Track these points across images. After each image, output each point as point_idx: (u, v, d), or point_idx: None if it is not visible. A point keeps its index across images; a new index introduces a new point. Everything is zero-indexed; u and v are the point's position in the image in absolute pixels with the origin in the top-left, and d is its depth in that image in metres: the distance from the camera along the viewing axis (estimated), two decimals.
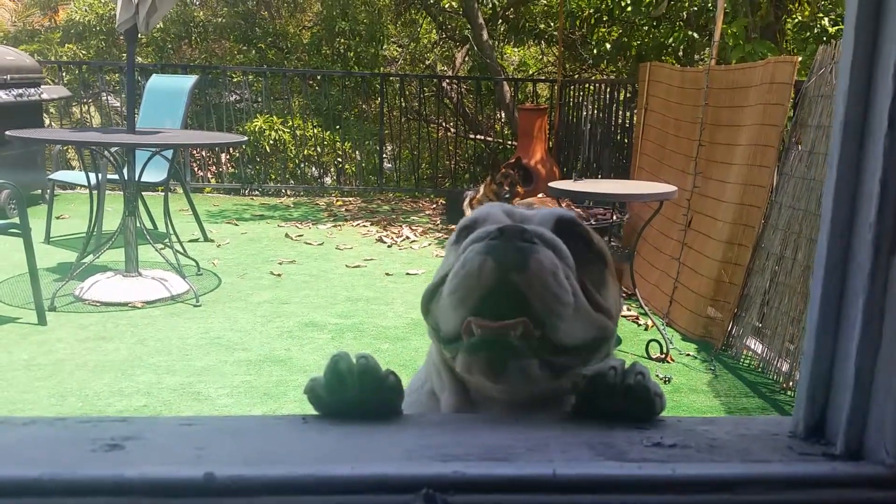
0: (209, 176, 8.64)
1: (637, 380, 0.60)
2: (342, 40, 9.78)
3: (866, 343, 0.48)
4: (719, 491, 0.47)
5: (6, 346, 3.39)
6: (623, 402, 0.59)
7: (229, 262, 4.99)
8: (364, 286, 4.57)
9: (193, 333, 3.64)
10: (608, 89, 6.46)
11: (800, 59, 3.55)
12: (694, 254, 4.04)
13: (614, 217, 4.36)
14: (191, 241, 5.33)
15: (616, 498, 0.46)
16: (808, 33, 5.57)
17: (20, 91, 6.12)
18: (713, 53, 4.31)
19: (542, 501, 0.46)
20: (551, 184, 3.74)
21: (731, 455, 0.51)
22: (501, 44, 10.41)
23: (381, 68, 9.74)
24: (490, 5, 9.25)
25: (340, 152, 8.64)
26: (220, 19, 10.61)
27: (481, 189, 5.96)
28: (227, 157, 8.58)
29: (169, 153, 4.66)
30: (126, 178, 4.17)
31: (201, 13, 10.65)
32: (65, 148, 7.16)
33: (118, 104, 8.75)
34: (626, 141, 6.00)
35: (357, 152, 8.75)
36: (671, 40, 6.39)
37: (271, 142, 8.05)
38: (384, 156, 8.61)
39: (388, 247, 5.65)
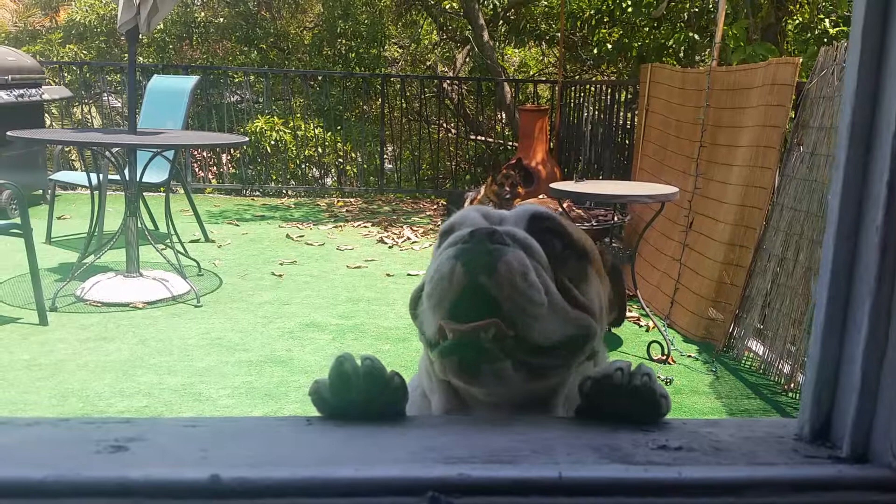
0: (210, 176, 8.64)
1: (643, 381, 0.60)
2: (343, 41, 9.79)
3: (872, 346, 0.48)
4: (726, 494, 0.47)
5: (7, 347, 3.39)
6: (629, 404, 0.59)
7: (230, 263, 4.99)
8: (365, 287, 4.57)
9: (194, 334, 3.64)
10: (609, 90, 6.46)
11: (801, 60, 3.55)
12: (695, 255, 4.03)
13: (615, 218, 4.36)
14: (192, 241, 5.33)
15: (622, 501, 0.46)
16: (809, 34, 5.57)
17: (21, 91, 6.12)
18: (715, 55, 4.31)
19: None
20: (552, 185, 3.73)
21: (737, 458, 0.51)
22: (502, 45, 10.41)
23: (382, 69, 9.73)
24: (491, 6, 9.24)
25: (341, 153, 8.64)
26: (221, 20, 10.61)
27: (482, 190, 5.95)
28: (229, 157, 8.58)
29: (170, 154, 4.66)
30: (127, 178, 4.17)
31: (202, 14, 10.64)
32: (66, 148, 7.16)
33: (119, 105, 8.76)
34: (627, 142, 6.01)
35: (358, 153, 8.75)
36: (672, 41, 6.38)
37: (272, 142, 8.05)
38: (385, 156, 8.62)
39: (389, 247, 5.65)
